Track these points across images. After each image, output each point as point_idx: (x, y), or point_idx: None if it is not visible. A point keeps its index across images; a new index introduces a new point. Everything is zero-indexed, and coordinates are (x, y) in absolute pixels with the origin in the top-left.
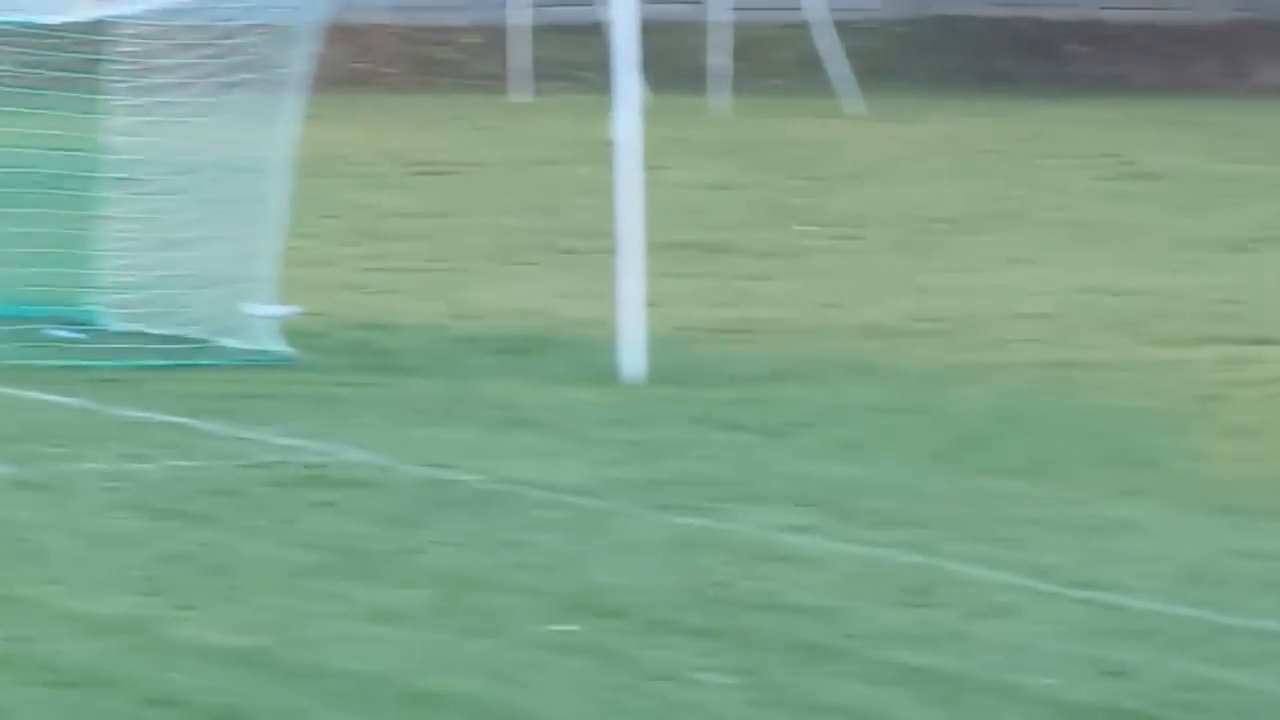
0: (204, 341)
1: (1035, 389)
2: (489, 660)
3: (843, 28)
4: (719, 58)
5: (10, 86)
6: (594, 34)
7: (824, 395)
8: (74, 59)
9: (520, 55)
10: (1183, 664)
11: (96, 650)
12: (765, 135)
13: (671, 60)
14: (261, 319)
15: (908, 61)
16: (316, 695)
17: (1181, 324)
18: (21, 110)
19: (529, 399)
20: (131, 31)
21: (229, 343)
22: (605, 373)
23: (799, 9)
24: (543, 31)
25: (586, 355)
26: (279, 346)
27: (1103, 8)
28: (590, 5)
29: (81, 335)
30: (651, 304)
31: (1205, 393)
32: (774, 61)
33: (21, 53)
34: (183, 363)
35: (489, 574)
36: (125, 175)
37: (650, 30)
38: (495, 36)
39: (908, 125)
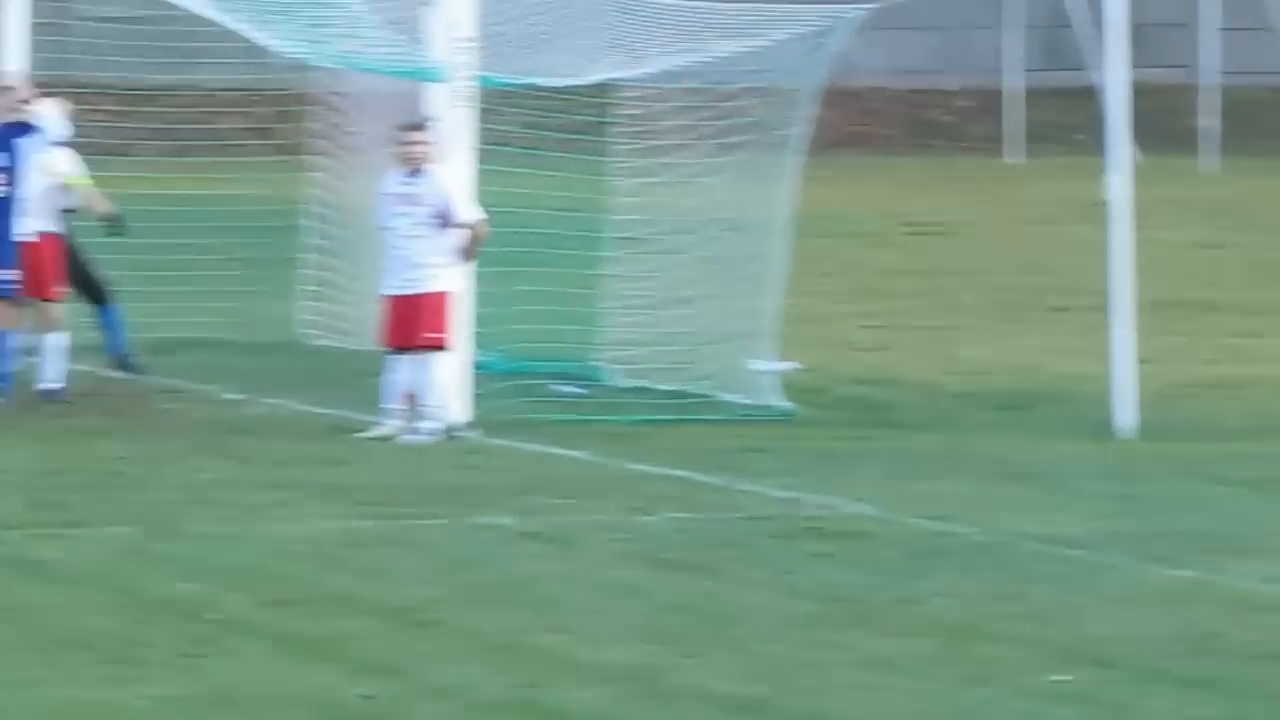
0: (706, 396)
1: None
2: (986, 709)
3: None
4: (1208, 119)
5: (517, 147)
6: (1086, 97)
7: None
8: (578, 121)
9: (1014, 118)
10: None
11: (602, 697)
12: (1255, 195)
13: (1161, 122)
14: (762, 374)
15: None
16: None
17: None
18: (528, 170)
19: (1024, 454)
20: (634, 94)
21: (730, 397)
22: (1098, 428)
23: None
24: (1035, 95)
25: (1080, 411)
26: (779, 401)
27: None
28: (1082, 70)
29: (585, 391)
30: (1143, 360)
31: None
32: (1263, 123)
33: (528, 114)
34: (685, 417)
35: (986, 624)
36: (628, 234)
37: (1140, 93)
38: (989, 100)
39: None
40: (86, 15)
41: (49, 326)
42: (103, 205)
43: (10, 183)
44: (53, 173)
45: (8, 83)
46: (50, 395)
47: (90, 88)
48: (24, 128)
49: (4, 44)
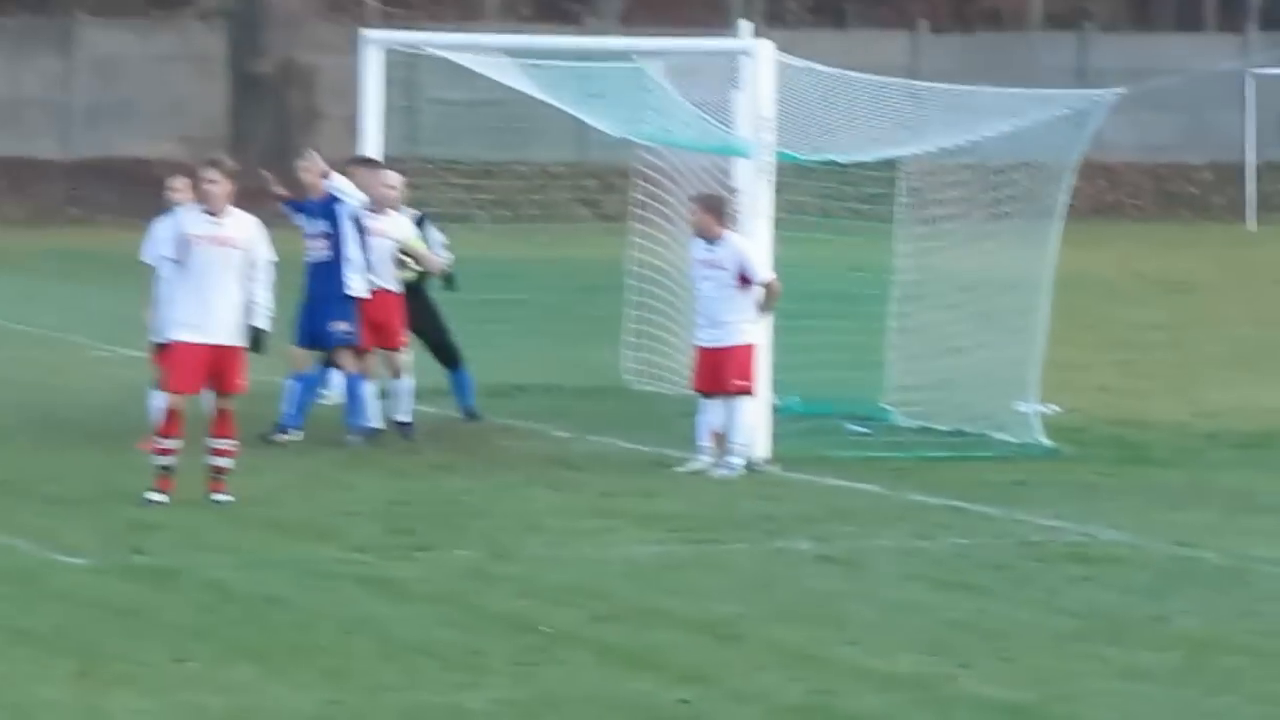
0: (980, 435)
1: None
2: (1230, 714)
3: None
4: None
5: (812, 215)
6: None
7: None
8: (867, 192)
9: (1253, 190)
10: None
11: (890, 703)
12: None
13: None
14: (1029, 416)
15: None
16: None
17: None
18: (822, 236)
19: (1265, 486)
20: (915, 169)
21: (1000, 436)
22: None
23: None
24: (1271, 169)
25: None
26: (1043, 440)
27: None
28: None
29: (873, 430)
30: None
31: None
32: None
33: (823, 186)
34: (962, 454)
35: (1227, 639)
36: (911, 292)
37: None
38: (1230, 173)
39: None
40: (435, 99)
41: (396, 372)
42: (436, 264)
43: (332, 247)
44: (389, 237)
45: (306, 162)
46: (403, 429)
47: (439, 163)
48: (333, 199)
49: (364, 125)
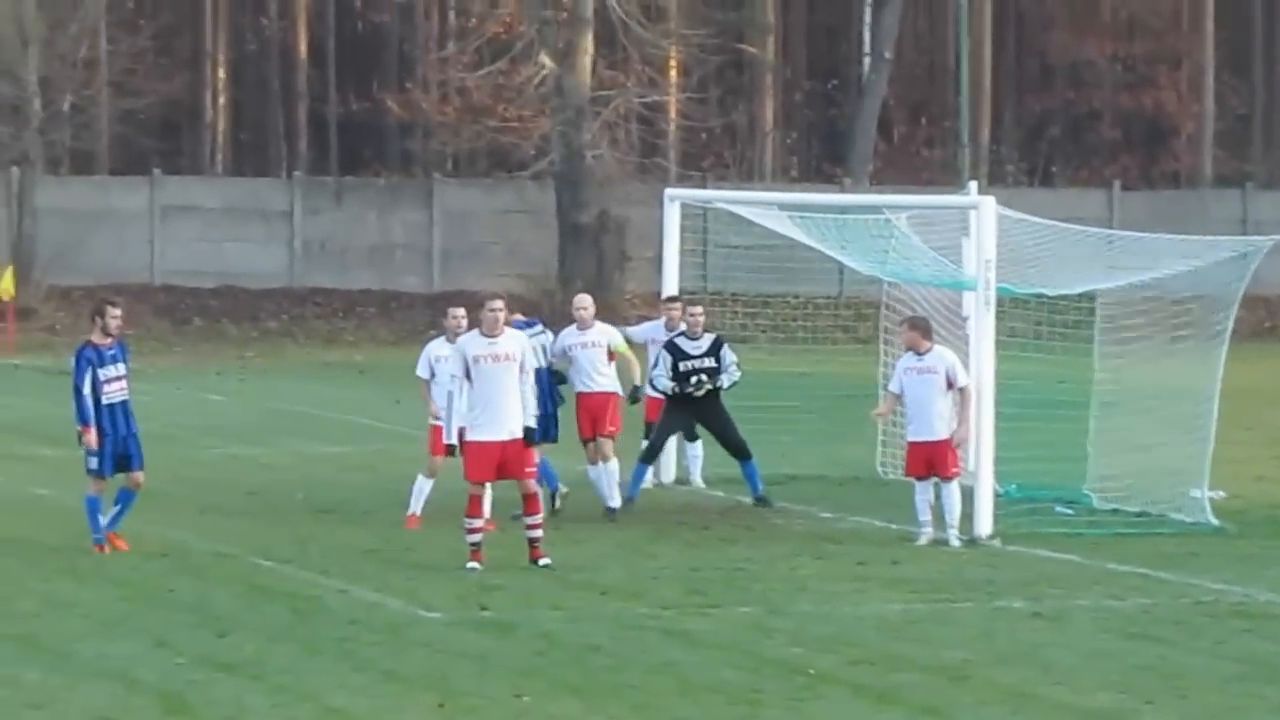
0: (1161, 515)
1: None
2: None
3: None
4: None
5: (1027, 338)
6: None
7: None
8: (1070, 319)
9: None
10: None
11: None
12: None
13: None
14: (1201, 500)
15: None
16: None
17: None
18: (1035, 355)
19: None
20: (1109, 300)
21: (1178, 516)
22: None
23: None
24: None
25: None
26: (1213, 520)
27: None
28: None
29: (1076, 512)
30: None
31: None
32: None
33: (1035, 314)
34: (1147, 530)
35: None
36: (1107, 400)
37: None
38: None
39: None
40: (721, 244)
41: (604, 458)
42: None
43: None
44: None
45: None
46: (610, 512)
47: (725, 296)
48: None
49: (665, 265)
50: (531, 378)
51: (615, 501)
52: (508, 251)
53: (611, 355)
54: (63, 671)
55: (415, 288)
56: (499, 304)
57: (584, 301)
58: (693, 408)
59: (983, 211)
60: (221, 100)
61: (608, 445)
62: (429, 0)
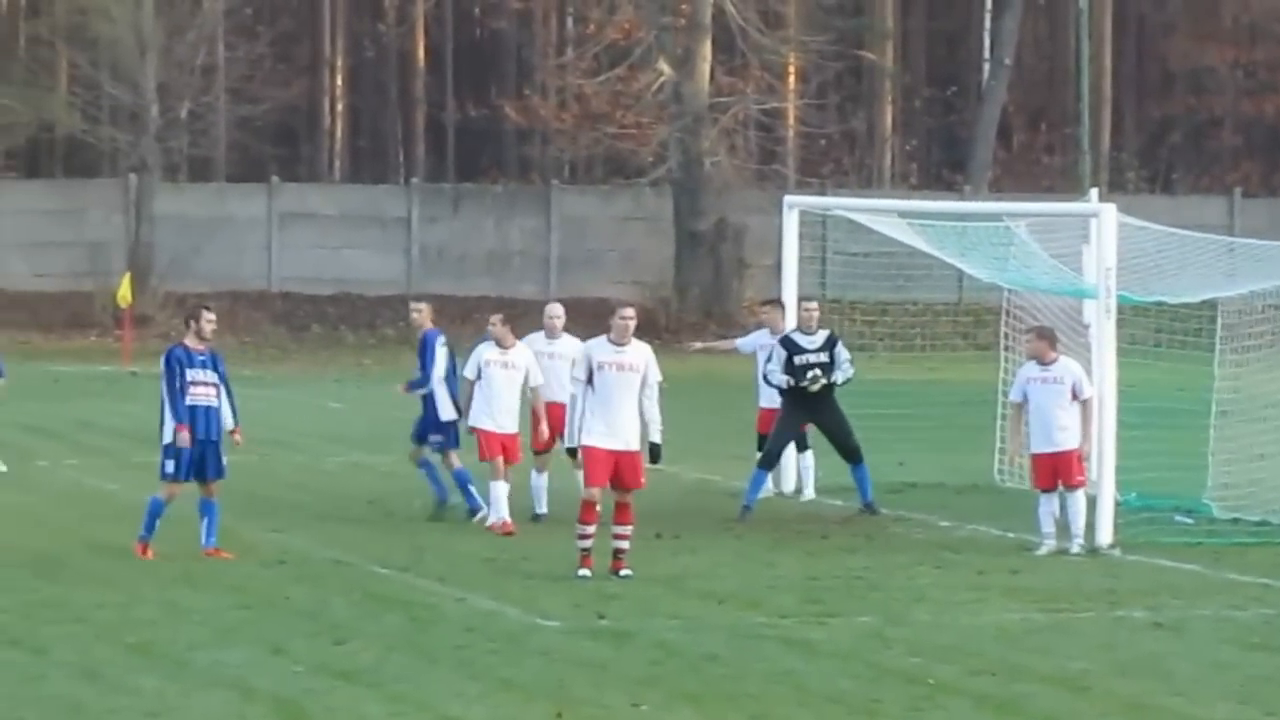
0: None
1: None
2: None
3: None
4: None
5: (1147, 345)
6: None
7: None
8: (1190, 327)
9: None
10: None
11: None
12: None
13: None
14: None
15: None
16: None
17: None
18: (1154, 363)
19: None
20: (1229, 308)
21: None
22: None
23: None
24: None
25: None
26: None
27: None
28: None
29: (1195, 521)
30: None
31: None
32: None
33: (1155, 322)
34: (1268, 540)
35: None
36: (1226, 408)
37: None
38: None
39: None
40: (840, 251)
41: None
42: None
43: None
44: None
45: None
46: (538, 518)
47: (844, 303)
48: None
49: (784, 273)
50: (655, 391)
51: (543, 508)
52: (624, 259)
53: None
54: (179, 679)
55: (532, 295)
56: (630, 312)
57: (555, 310)
58: (808, 408)
59: (1103, 219)
60: (339, 107)
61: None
62: (547, 6)
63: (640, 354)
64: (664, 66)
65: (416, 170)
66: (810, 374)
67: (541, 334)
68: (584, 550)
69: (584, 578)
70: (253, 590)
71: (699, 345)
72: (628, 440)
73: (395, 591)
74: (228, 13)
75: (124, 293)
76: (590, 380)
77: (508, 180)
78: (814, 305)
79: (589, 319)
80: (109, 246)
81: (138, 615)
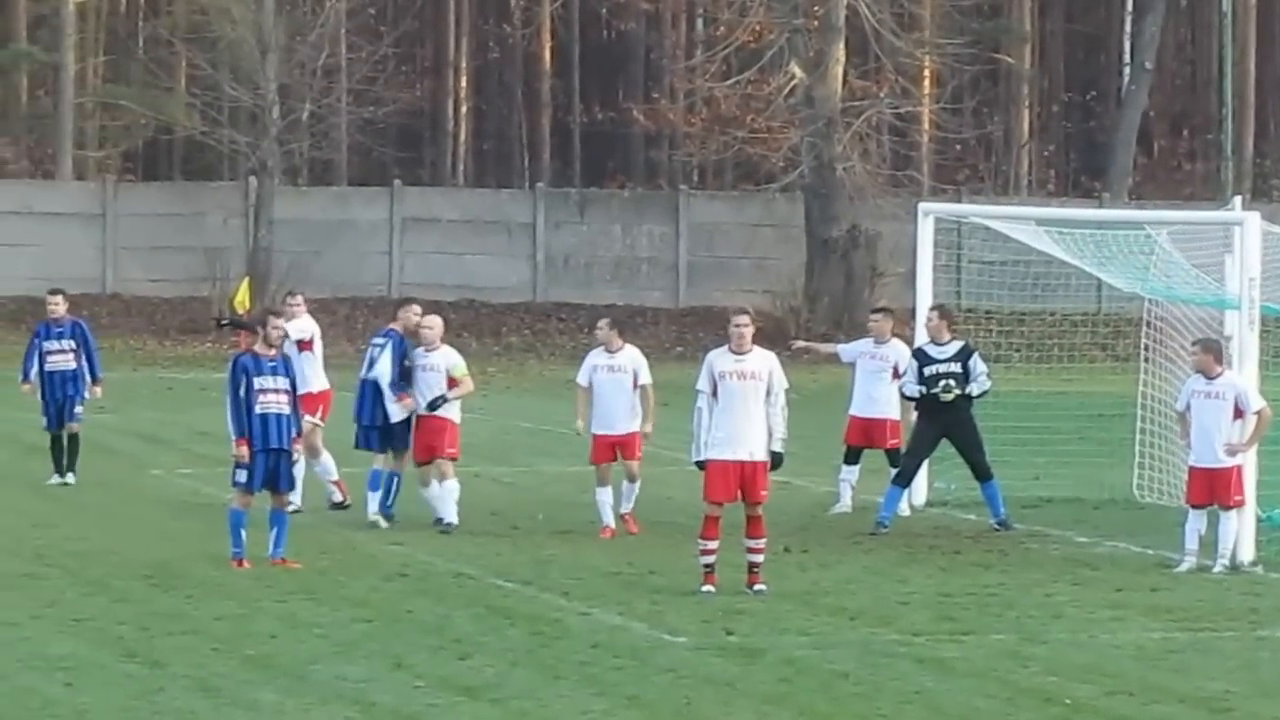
0: None
1: None
2: None
3: None
4: None
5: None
6: None
7: None
8: None
9: None
10: None
11: None
12: None
13: None
14: None
15: None
16: None
17: None
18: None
19: None
20: None
21: None
22: None
23: None
24: None
25: None
26: None
27: None
28: None
29: None
30: None
31: None
32: None
33: None
34: None
35: None
36: None
37: None
38: None
39: None
40: (975, 259)
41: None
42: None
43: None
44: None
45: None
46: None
47: (979, 313)
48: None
49: (918, 281)
50: (782, 399)
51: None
52: (755, 266)
53: (452, 381)
54: (299, 693)
55: (660, 303)
56: (744, 319)
57: (431, 322)
58: (942, 421)
59: (1247, 227)
60: (463, 109)
61: (448, 466)
62: (676, 8)
63: (763, 361)
64: (796, 69)
65: (542, 175)
66: (942, 384)
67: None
68: (706, 566)
69: (708, 593)
70: (374, 603)
71: (800, 343)
72: (752, 450)
73: (519, 605)
74: (350, 13)
75: (242, 298)
76: (714, 391)
77: (635, 185)
78: (933, 314)
79: (719, 327)
80: (227, 251)
81: (256, 628)
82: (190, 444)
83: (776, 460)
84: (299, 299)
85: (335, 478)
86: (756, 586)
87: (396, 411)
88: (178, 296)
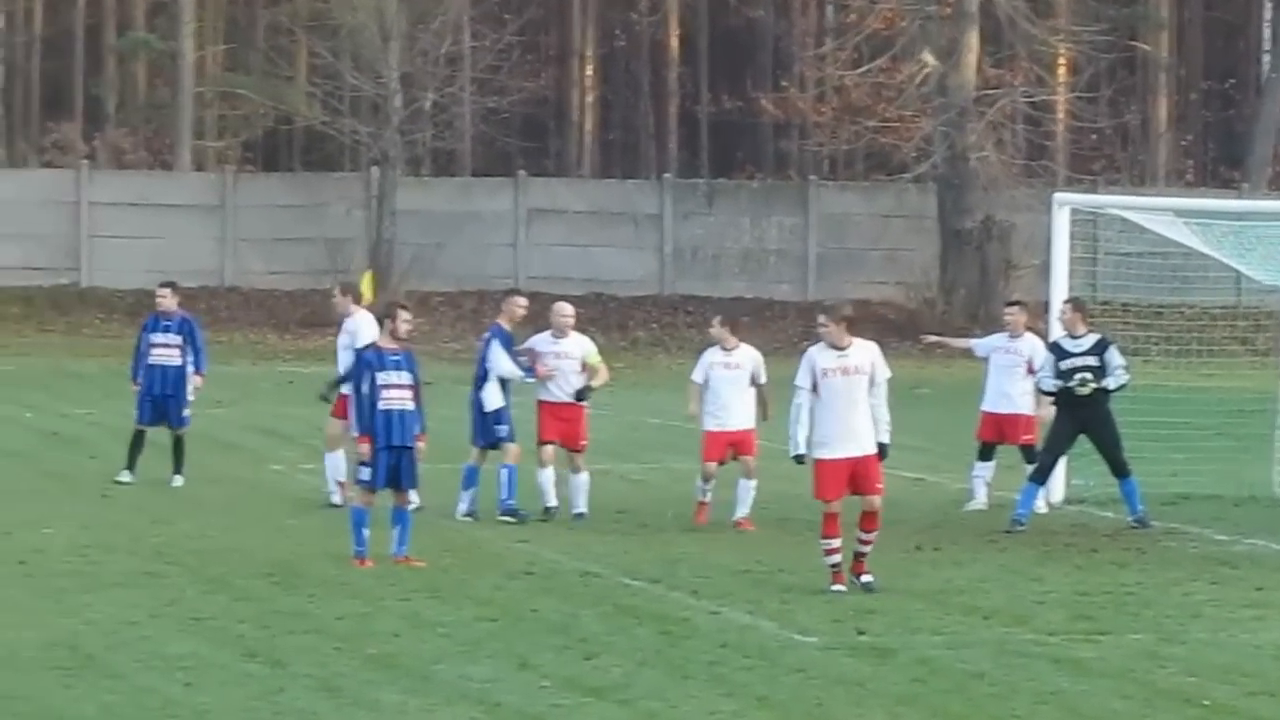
0: None
1: None
2: None
3: None
4: None
5: None
6: None
7: None
8: None
9: None
10: None
11: None
12: None
13: None
14: None
15: None
16: None
17: None
18: None
19: None
20: None
21: None
22: None
23: None
24: None
25: None
26: None
27: None
28: None
29: None
30: None
31: None
32: None
33: None
34: None
35: None
36: None
37: None
38: None
39: None
40: (1111, 251)
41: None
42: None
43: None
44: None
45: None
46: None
47: (1115, 305)
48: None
49: (1053, 274)
50: (883, 390)
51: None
52: (886, 258)
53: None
54: (422, 694)
55: (789, 296)
56: (823, 319)
57: (564, 309)
58: (1080, 416)
59: None
60: (589, 99)
61: (580, 458)
62: None
63: (865, 354)
64: (928, 58)
65: (669, 165)
66: (1078, 377)
67: (549, 333)
68: (833, 566)
69: (839, 592)
70: (499, 602)
71: (932, 337)
72: (862, 445)
73: (647, 604)
74: (474, 0)
75: (365, 290)
76: (815, 388)
77: (764, 176)
78: (1066, 307)
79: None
80: (349, 243)
81: (379, 626)
82: (312, 439)
83: (882, 451)
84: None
85: (342, 478)
86: (864, 577)
87: (494, 398)
88: (298, 289)
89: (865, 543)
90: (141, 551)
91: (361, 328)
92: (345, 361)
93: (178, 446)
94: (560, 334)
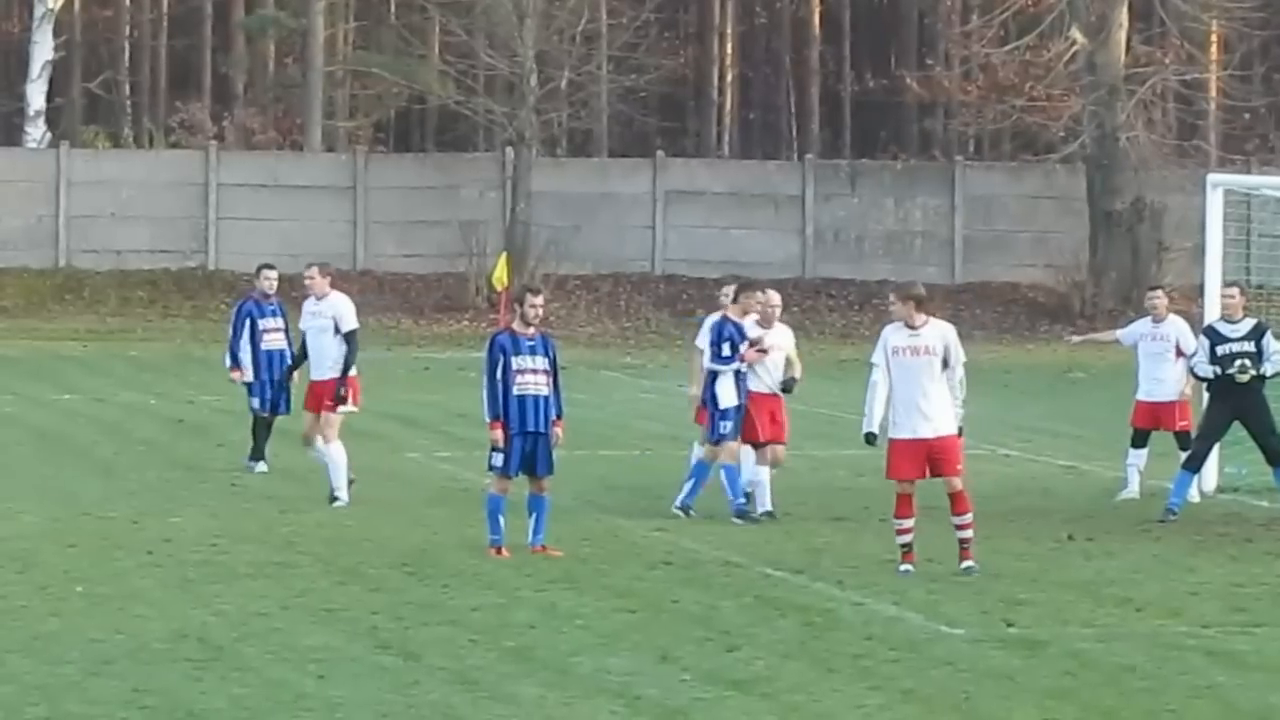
0: None
1: None
2: None
3: None
4: None
5: None
6: None
7: None
8: None
9: None
10: None
11: None
12: None
13: None
14: None
15: None
16: None
17: None
18: None
19: None
20: None
21: None
22: None
23: None
24: None
25: None
26: None
27: None
28: None
29: None
30: None
31: None
32: None
33: None
34: None
35: None
36: None
37: None
38: None
39: None
40: (1265, 234)
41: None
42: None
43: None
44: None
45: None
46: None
47: (1270, 289)
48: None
49: (1206, 257)
50: (959, 372)
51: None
52: (1034, 240)
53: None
54: (560, 687)
55: (935, 278)
56: (892, 297)
57: (773, 299)
58: (1235, 403)
59: None
60: (729, 77)
61: (781, 450)
62: None
63: (937, 334)
64: (1077, 35)
65: (811, 145)
66: (1238, 363)
67: (752, 319)
68: (903, 546)
69: (905, 572)
70: (638, 593)
71: (1078, 339)
72: (936, 426)
73: (789, 595)
74: None
75: (500, 274)
76: (888, 367)
77: (908, 156)
78: (1234, 291)
79: (997, 304)
80: (484, 225)
81: (516, 618)
82: (448, 426)
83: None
84: (314, 270)
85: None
86: (965, 564)
87: (729, 393)
88: (432, 273)
89: (962, 527)
90: (272, 541)
91: (340, 309)
92: (320, 346)
93: (269, 432)
94: (766, 324)
